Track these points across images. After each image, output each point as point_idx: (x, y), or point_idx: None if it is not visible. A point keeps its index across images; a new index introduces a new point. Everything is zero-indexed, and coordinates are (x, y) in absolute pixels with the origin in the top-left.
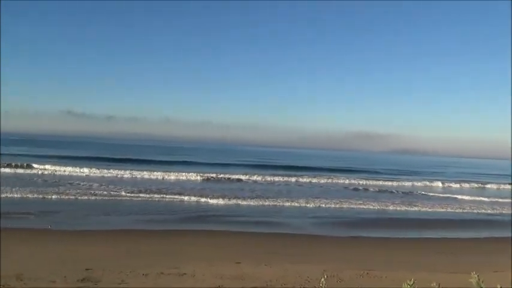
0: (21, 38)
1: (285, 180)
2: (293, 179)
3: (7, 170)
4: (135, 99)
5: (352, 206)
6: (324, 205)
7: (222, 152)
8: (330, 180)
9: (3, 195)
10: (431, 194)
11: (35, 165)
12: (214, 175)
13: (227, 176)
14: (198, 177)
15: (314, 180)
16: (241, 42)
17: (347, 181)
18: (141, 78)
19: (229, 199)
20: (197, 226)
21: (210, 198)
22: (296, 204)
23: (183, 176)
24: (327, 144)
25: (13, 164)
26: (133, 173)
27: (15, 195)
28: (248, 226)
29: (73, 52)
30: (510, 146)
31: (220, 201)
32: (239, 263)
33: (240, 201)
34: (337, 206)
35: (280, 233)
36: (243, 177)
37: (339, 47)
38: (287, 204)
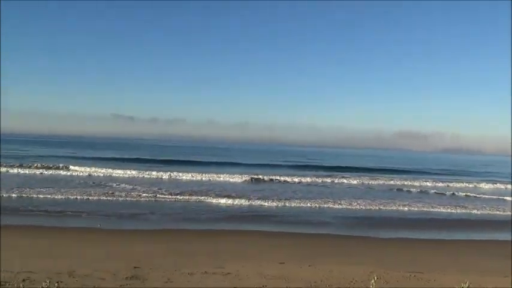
0: (73, 47)
1: (330, 182)
2: (337, 180)
3: (54, 172)
4: (179, 101)
5: (397, 207)
6: (368, 206)
7: (266, 152)
8: (374, 181)
9: (51, 196)
10: (478, 195)
11: (80, 168)
12: (259, 176)
13: (272, 177)
14: (244, 178)
15: (358, 181)
16: (281, 42)
17: (392, 182)
18: (185, 81)
19: (273, 200)
20: (240, 226)
21: (254, 199)
22: (339, 206)
23: (228, 177)
24: (372, 143)
25: (60, 166)
26: (179, 175)
27: (64, 197)
28: (292, 227)
29: (120, 57)
30: None
31: (264, 202)
32: (283, 263)
33: (284, 202)
34: (382, 207)
35: (324, 234)
36: (287, 178)
37: (379, 46)
38: (331, 205)
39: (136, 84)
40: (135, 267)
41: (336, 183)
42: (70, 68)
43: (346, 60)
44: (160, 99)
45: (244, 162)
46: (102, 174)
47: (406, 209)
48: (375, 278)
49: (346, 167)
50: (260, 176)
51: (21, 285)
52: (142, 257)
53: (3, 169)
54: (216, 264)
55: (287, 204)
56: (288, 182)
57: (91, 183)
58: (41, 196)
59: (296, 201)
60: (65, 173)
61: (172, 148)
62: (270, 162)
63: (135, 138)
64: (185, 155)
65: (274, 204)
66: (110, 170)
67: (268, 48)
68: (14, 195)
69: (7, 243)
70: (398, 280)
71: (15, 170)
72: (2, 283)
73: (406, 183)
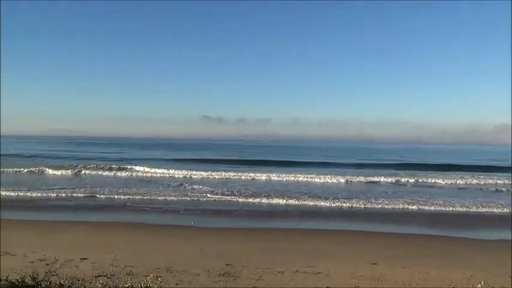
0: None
1: (423, 182)
2: (433, 180)
3: (138, 173)
4: (265, 102)
5: (498, 209)
6: (465, 207)
7: (356, 150)
8: (473, 180)
9: (149, 197)
10: None
11: (170, 171)
12: (358, 177)
13: (369, 178)
14: (341, 179)
15: (456, 181)
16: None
17: (490, 181)
18: (271, 80)
19: (361, 199)
20: (329, 225)
21: (341, 199)
22: (433, 208)
23: (324, 179)
24: (469, 138)
25: (150, 169)
26: (271, 175)
27: (160, 198)
28: (382, 226)
29: (210, 60)
30: None
31: (356, 203)
32: (375, 263)
33: (373, 203)
34: (479, 208)
35: (419, 234)
36: (385, 178)
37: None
38: (425, 206)
39: (225, 86)
40: (227, 265)
41: (435, 183)
42: (160, 73)
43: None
44: (247, 100)
45: (337, 161)
46: (196, 176)
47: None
48: (482, 283)
49: (448, 165)
50: (357, 177)
51: (126, 278)
52: (234, 255)
53: (105, 172)
54: (307, 263)
55: (375, 206)
56: (383, 182)
57: (176, 184)
58: (138, 197)
59: (388, 200)
60: (158, 174)
61: (262, 148)
62: (363, 161)
63: (223, 139)
64: (277, 155)
65: (364, 205)
66: (201, 172)
67: (354, 42)
68: (116, 196)
69: (114, 239)
70: (503, 285)
71: (109, 173)
72: (108, 276)
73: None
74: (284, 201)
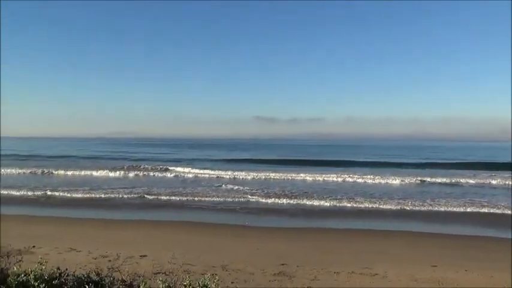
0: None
1: (483, 183)
2: (497, 181)
3: (190, 174)
4: (317, 101)
5: None
6: None
7: (414, 149)
8: None
9: (209, 198)
10: None
11: (222, 172)
12: (415, 178)
13: (426, 178)
14: (396, 180)
15: None
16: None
17: None
18: (325, 80)
19: (422, 201)
20: (386, 226)
21: (399, 200)
22: (496, 210)
23: (380, 179)
24: None
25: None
26: (324, 175)
27: (215, 198)
28: (443, 227)
29: (261, 61)
30: None
31: (412, 204)
32: (435, 266)
33: (431, 205)
34: None
35: (481, 236)
36: (440, 179)
37: None
38: (485, 208)
39: (276, 86)
40: (282, 264)
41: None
42: (214, 74)
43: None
44: (300, 100)
45: (392, 161)
46: (248, 176)
47: None
48: None
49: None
50: (413, 177)
51: (184, 276)
52: (289, 254)
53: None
54: (363, 264)
55: (431, 207)
56: (440, 182)
57: (229, 184)
58: (192, 197)
59: (444, 200)
60: (211, 175)
61: (315, 148)
62: (421, 161)
63: (275, 139)
64: (330, 155)
65: (418, 204)
66: (253, 173)
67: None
68: (174, 197)
69: (171, 237)
70: None
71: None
72: (166, 273)
73: None
74: (337, 201)
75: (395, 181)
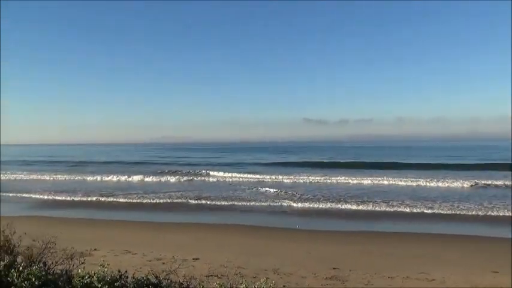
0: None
1: None
2: None
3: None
4: (367, 102)
5: None
6: None
7: (470, 149)
8: None
9: (257, 203)
10: None
11: (268, 176)
12: (485, 180)
13: (497, 181)
14: (467, 183)
15: None
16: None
17: None
18: (372, 81)
19: (479, 204)
20: (443, 230)
21: (455, 203)
22: None
23: (432, 182)
24: None
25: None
26: (375, 178)
27: (264, 202)
28: (504, 232)
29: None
30: None
31: (468, 207)
32: (496, 272)
33: (488, 208)
34: None
35: None
36: (495, 181)
37: None
38: None
39: (325, 88)
40: (334, 268)
41: None
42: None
43: None
44: (349, 101)
45: (446, 162)
46: (300, 181)
47: None
48: None
49: None
50: (480, 180)
51: (238, 279)
52: (341, 258)
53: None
54: (418, 268)
55: (495, 212)
56: (496, 185)
57: (279, 188)
58: (240, 202)
59: (500, 204)
60: (260, 179)
61: (365, 149)
62: (475, 162)
63: (324, 141)
64: (380, 157)
65: (476, 208)
66: (304, 177)
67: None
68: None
69: (223, 241)
70: None
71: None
72: (219, 276)
73: None
74: (388, 204)
75: (450, 183)
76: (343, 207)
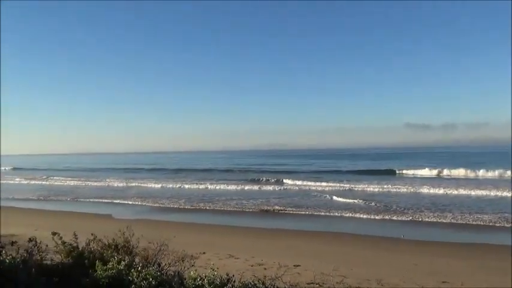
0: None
1: None
2: None
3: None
4: (479, 104)
5: None
6: None
7: None
8: None
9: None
10: None
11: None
12: None
13: None
14: None
15: None
16: None
17: None
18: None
19: None
20: None
21: None
22: None
23: None
24: None
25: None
26: (491, 188)
27: (363, 214)
28: None
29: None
30: None
31: None
32: None
33: None
34: None
35: None
36: None
37: None
38: None
39: (428, 91)
40: (443, 282)
41: None
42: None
43: None
44: (457, 104)
45: None
46: (387, 190)
47: None
48: None
49: None
50: None
51: (335, 287)
52: (450, 271)
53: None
54: None
55: None
56: None
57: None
58: (342, 213)
59: None
60: (353, 188)
61: (478, 156)
62: None
63: (429, 146)
64: (497, 164)
65: None
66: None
67: None
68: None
69: (323, 248)
70: None
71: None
72: (320, 284)
73: None
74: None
75: None
76: (452, 216)
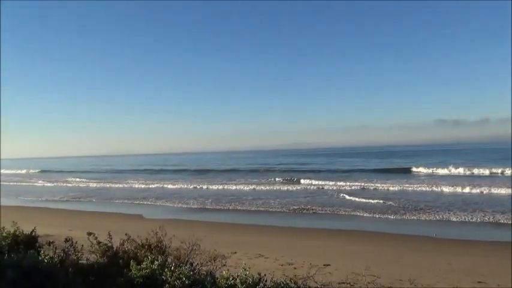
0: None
1: None
2: None
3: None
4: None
5: None
6: None
7: None
8: None
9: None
10: None
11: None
12: None
13: None
14: None
15: None
16: None
17: None
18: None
19: None
20: None
21: None
22: None
23: None
24: None
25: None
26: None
27: (392, 215)
28: None
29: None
30: None
31: None
32: None
33: None
34: None
35: None
36: None
37: None
38: None
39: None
40: (479, 282)
41: None
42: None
43: None
44: (492, 98)
45: None
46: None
47: None
48: None
49: None
50: None
51: (368, 287)
52: (486, 271)
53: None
54: None
55: None
56: None
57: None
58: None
59: None
60: (379, 188)
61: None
62: None
63: (462, 143)
64: None
65: None
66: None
67: None
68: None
69: (352, 247)
70: None
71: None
72: (351, 284)
73: None
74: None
75: None
76: (489, 215)
